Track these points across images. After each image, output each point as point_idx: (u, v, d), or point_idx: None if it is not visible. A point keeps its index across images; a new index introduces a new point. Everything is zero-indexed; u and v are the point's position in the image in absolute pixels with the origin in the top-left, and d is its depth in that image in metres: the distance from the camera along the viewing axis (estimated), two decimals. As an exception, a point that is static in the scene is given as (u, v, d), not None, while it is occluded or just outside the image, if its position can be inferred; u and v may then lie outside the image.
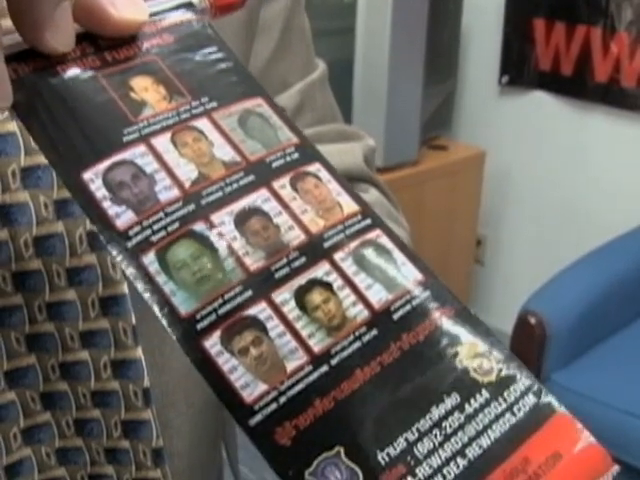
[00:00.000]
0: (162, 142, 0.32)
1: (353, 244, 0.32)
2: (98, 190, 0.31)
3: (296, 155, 0.34)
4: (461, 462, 0.28)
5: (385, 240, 0.33)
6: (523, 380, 0.30)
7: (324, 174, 0.34)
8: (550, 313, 1.86)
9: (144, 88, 0.33)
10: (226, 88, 0.35)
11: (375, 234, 0.33)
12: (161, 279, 0.30)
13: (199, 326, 0.29)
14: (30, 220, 0.41)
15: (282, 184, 0.33)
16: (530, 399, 0.30)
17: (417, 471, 0.27)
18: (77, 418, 0.44)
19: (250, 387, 0.28)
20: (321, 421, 0.28)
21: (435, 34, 2.29)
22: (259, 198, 0.32)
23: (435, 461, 0.28)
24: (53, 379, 0.44)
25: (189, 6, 0.37)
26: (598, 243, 2.11)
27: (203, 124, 0.33)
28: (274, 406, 0.28)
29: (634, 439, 1.78)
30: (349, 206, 0.33)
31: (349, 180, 0.63)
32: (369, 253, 0.32)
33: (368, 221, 0.33)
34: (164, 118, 0.33)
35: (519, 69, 2.54)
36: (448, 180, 2.43)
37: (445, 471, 0.28)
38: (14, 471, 0.44)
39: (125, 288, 0.43)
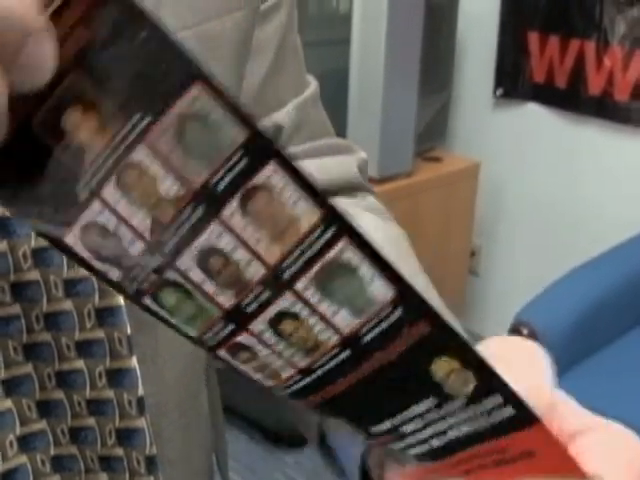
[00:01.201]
0: (110, 192, 0.30)
1: (314, 269, 0.30)
2: (83, 252, 0.30)
3: (244, 161, 0.29)
4: (443, 438, 0.31)
5: (351, 254, 0.30)
6: (500, 395, 0.31)
7: (277, 178, 0.30)
8: (542, 324, 1.87)
9: (76, 126, 0.29)
10: (158, 83, 0.29)
11: (339, 248, 0.30)
12: (165, 314, 0.31)
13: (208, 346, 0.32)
14: (29, 232, 0.42)
15: (231, 211, 0.30)
16: (508, 410, 0.30)
17: (405, 439, 0.31)
18: (72, 426, 0.45)
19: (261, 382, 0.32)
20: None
21: (430, 45, 2.31)
22: (212, 234, 0.30)
23: (420, 436, 0.31)
24: (49, 387, 0.44)
25: None
26: (591, 253, 2.12)
27: (141, 154, 0.30)
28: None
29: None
30: (309, 216, 0.30)
31: (349, 190, 0.63)
32: (332, 277, 0.31)
33: (333, 229, 0.30)
34: (104, 159, 0.29)
35: (514, 81, 2.57)
36: (443, 191, 2.44)
37: (429, 443, 0.31)
38: (10, 478, 0.44)
39: (121, 299, 0.44)
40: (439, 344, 0.31)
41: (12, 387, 0.44)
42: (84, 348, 0.44)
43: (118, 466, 0.46)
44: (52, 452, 0.46)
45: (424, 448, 0.32)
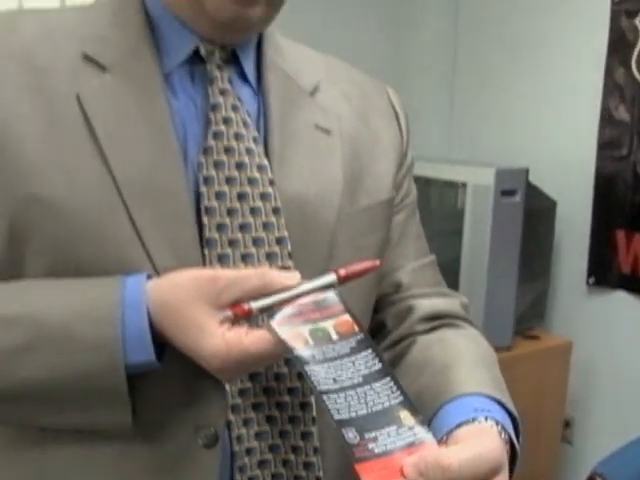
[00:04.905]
0: None
1: None
2: None
3: None
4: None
5: None
6: (424, 426, 0.76)
7: None
8: (616, 476, 2.13)
9: None
10: None
11: None
12: None
13: None
14: None
15: None
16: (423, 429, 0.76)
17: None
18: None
19: None
20: None
21: (530, 242, 2.66)
22: None
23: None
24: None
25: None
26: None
27: None
28: None
29: None
30: None
31: (455, 319, 1.04)
32: None
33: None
34: None
35: (604, 272, 2.85)
36: (538, 365, 2.74)
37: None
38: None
39: None
40: (406, 410, 0.77)
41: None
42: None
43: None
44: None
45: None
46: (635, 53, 2.72)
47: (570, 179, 2.91)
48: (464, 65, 3.34)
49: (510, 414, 0.90)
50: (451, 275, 2.54)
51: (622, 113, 2.77)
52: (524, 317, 2.78)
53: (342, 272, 0.83)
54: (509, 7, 3.12)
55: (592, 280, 2.91)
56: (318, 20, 2.75)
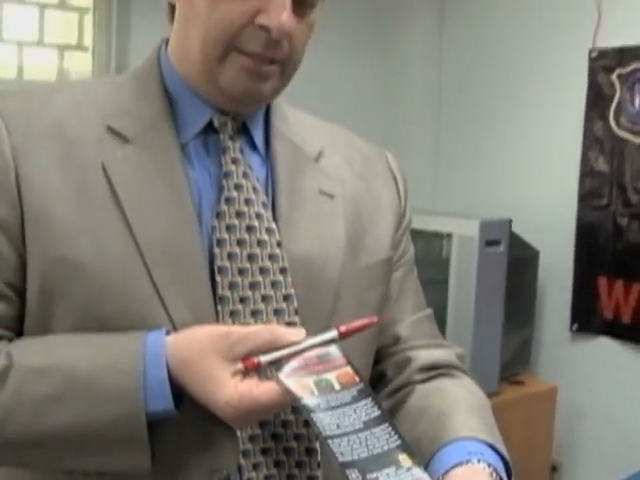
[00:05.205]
0: None
1: None
2: None
3: None
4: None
5: None
6: (421, 467, 0.83)
7: None
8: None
9: None
10: None
11: None
12: None
13: None
14: None
15: None
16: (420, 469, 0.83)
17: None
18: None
19: None
20: None
21: (513, 290, 2.76)
22: None
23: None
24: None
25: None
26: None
27: None
28: None
29: None
30: None
31: (451, 369, 1.12)
32: None
33: None
34: None
35: (587, 318, 2.94)
36: (524, 410, 2.81)
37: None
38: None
39: None
40: (404, 453, 0.86)
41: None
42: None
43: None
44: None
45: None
46: (612, 107, 2.85)
47: (552, 229, 3.01)
48: (449, 121, 3.45)
49: (502, 458, 0.97)
50: (438, 323, 2.51)
51: (601, 164, 2.90)
52: (510, 363, 2.86)
53: (343, 329, 0.92)
54: (492, 64, 3.24)
55: (576, 326, 3.00)
56: (305, 70, 2.84)
